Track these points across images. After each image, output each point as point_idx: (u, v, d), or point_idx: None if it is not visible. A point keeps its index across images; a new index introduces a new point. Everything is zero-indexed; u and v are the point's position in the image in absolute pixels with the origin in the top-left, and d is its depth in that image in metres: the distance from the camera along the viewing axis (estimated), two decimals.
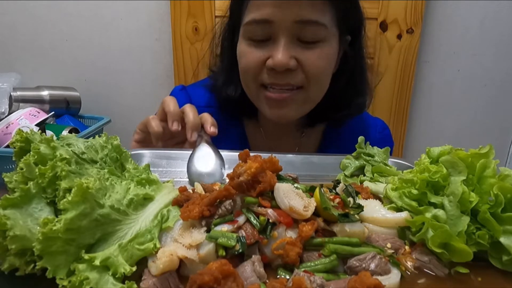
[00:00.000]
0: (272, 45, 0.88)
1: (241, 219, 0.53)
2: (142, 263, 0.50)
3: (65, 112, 1.71)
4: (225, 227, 0.52)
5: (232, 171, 0.58)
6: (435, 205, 0.57)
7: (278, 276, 0.50)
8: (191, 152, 0.84)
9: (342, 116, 1.06)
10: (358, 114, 1.08)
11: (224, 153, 0.89)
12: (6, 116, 1.49)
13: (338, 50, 0.95)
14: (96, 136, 0.65)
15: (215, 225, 0.53)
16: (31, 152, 0.53)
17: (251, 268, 0.48)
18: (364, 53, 1.04)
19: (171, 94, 1.17)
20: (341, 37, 0.94)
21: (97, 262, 0.45)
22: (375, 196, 0.68)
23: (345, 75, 0.99)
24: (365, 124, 1.18)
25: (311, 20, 0.85)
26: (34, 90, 1.67)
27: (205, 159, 0.80)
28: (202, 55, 1.83)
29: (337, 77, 0.98)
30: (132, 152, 0.89)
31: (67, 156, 0.54)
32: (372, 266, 0.50)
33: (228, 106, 1.08)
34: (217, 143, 0.83)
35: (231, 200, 0.55)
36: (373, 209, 0.61)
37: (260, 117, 1.11)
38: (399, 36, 1.84)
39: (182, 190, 0.63)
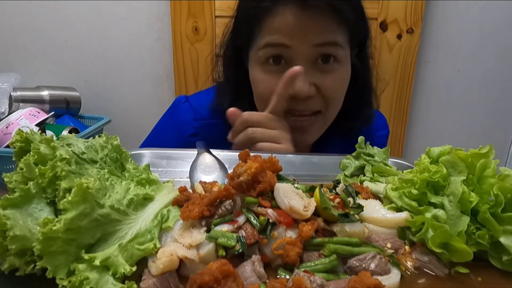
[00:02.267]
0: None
1: (241, 219, 0.53)
2: (142, 263, 0.50)
3: (65, 112, 1.71)
4: (225, 227, 0.52)
5: (232, 171, 0.58)
6: (435, 205, 0.57)
7: (278, 276, 0.50)
8: (192, 156, 0.83)
9: (350, 127, 1.04)
10: (367, 125, 1.05)
11: (224, 153, 0.89)
12: (6, 116, 1.49)
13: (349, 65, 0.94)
14: (96, 136, 0.65)
15: (215, 225, 0.53)
16: (31, 152, 0.53)
17: (251, 268, 0.48)
18: (370, 64, 1.02)
19: (172, 106, 1.12)
20: (351, 52, 0.92)
21: (97, 262, 0.45)
22: (375, 196, 0.68)
23: (353, 86, 0.97)
24: None
25: (329, 42, 0.83)
26: (34, 90, 1.67)
27: (209, 166, 0.81)
28: (203, 56, 1.83)
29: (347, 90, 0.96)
30: (132, 152, 0.89)
31: (67, 156, 0.54)
32: (372, 266, 0.50)
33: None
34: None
35: (231, 200, 0.55)
36: (373, 209, 0.61)
37: None
38: (399, 36, 1.84)
39: (182, 190, 0.63)
